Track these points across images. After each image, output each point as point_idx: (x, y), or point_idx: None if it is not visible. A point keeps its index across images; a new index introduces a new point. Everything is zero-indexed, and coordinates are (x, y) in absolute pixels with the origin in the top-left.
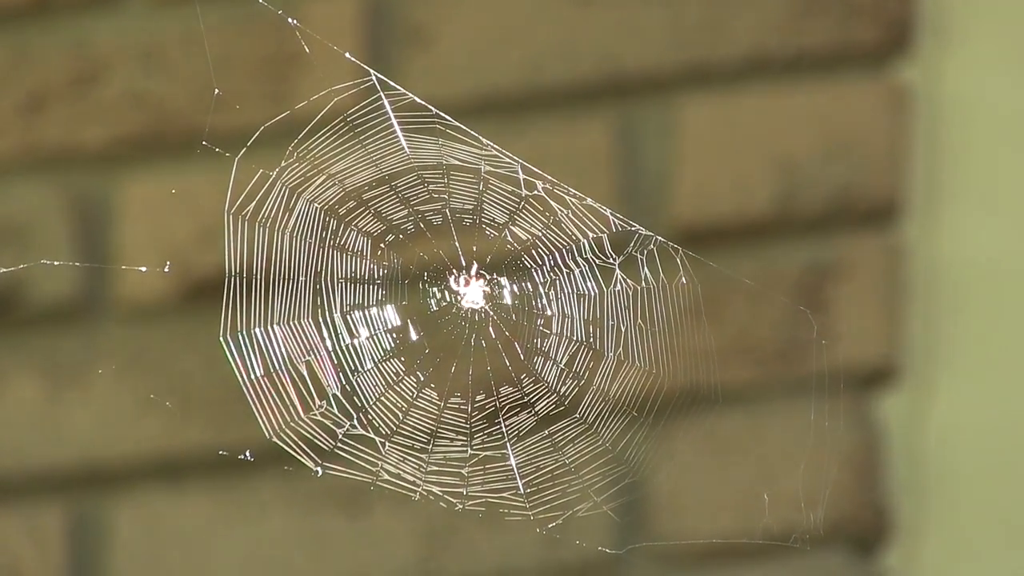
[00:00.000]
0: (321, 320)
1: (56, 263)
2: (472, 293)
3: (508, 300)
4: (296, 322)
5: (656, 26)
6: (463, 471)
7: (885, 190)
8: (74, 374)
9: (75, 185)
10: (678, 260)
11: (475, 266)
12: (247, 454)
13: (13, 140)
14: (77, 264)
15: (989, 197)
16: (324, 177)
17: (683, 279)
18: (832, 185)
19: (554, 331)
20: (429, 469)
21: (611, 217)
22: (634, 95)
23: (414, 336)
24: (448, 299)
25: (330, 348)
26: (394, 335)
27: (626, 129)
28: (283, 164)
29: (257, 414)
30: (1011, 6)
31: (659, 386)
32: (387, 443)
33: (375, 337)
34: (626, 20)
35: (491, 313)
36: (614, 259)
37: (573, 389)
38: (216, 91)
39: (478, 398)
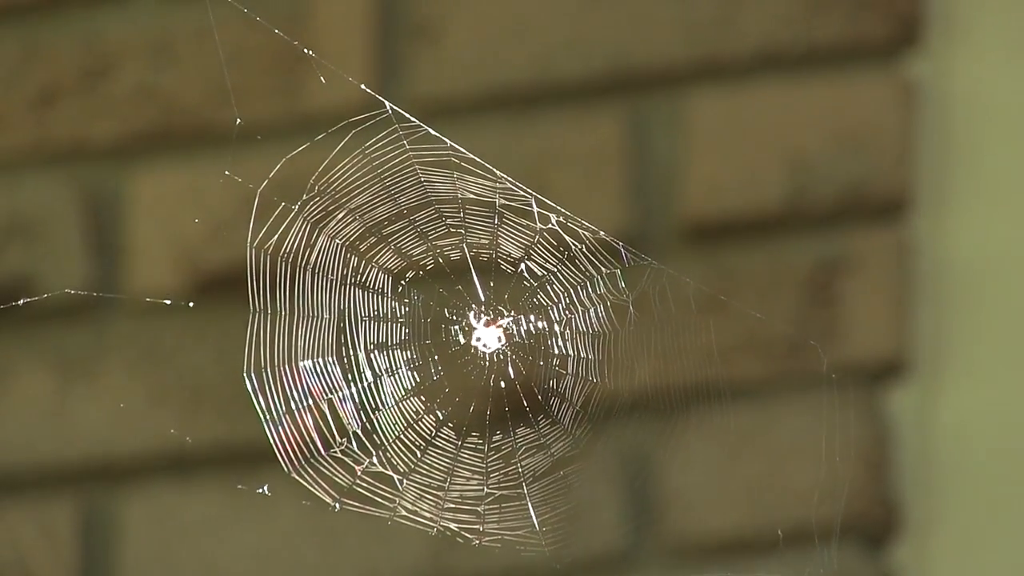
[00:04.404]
0: (344, 358)
1: (83, 292)
2: (490, 333)
3: (524, 340)
4: (319, 359)
5: (666, 20)
6: (479, 509)
7: (895, 185)
8: (84, 369)
9: (86, 179)
10: (691, 296)
11: (489, 311)
12: (265, 488)
13: (24, 134)
14: (98, 294)
15: (999, 192)
16: (344, 212)
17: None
18: (842, 180)
19: (569, 371)
20: (446, 506)
21: (623, 251)
22: (644, 90)
23: (434, 375)
24: (467, 338)
25: (353, 386)
26: (415, 373)
27: (636, 124)
28: (304, 198)
29: (276, 451)
30: (1020, 1)
31: (672, 417)
32: (404, 480)
33: (396, 375)
34: (636, 14)
35: (509, 353)
36: (627, 296)
37: (588, 432)
38: (238, 120)
39: (495, 438)
